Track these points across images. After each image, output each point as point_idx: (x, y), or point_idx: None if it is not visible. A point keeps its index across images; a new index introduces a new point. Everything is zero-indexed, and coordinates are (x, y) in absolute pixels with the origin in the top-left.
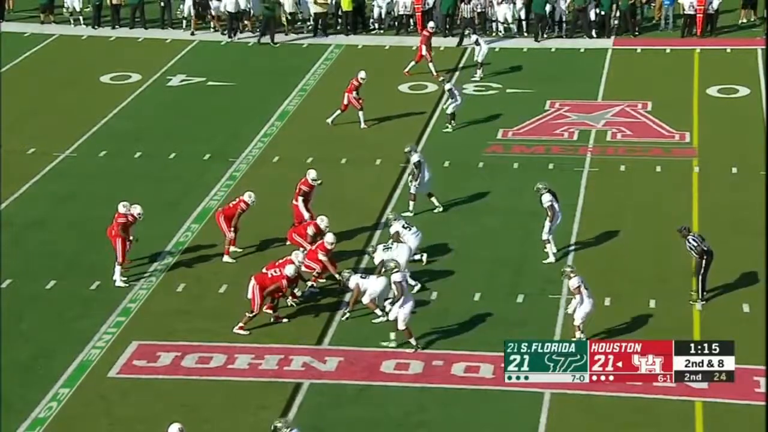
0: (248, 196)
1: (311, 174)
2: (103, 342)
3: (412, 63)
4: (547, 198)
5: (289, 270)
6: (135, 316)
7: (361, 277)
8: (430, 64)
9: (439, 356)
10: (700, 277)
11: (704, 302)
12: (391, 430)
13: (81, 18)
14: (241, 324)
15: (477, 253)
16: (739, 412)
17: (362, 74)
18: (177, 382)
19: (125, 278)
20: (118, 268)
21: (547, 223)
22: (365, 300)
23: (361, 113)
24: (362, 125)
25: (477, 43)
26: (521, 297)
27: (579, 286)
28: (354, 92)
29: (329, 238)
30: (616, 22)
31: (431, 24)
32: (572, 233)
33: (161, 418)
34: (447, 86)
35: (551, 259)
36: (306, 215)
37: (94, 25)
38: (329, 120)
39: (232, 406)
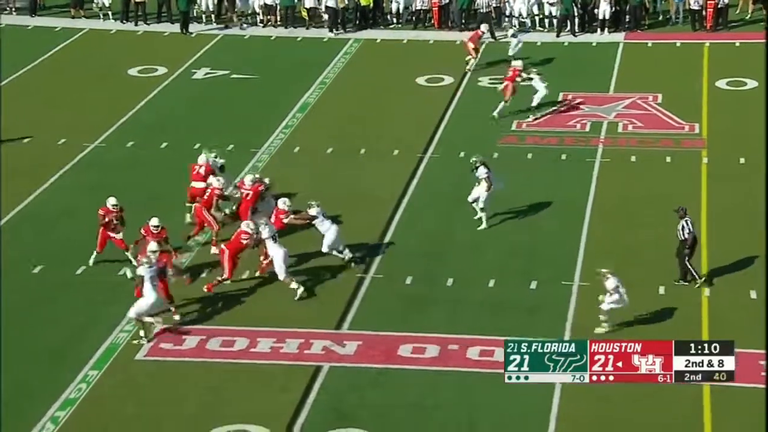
0: (216, 181)
1: (287, 202)
2: (131, 326)
3: (471, 60)
4: (483, 170)
5: (244, 225)
6: None
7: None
8: (473, 60)
9: (455, 341)
10: (687, 261)
11: (703, 280)
12: (408, 412)
13: (110, 13)
14: (210, 284)
15: (491, 240)
16: (748, 395)
17: (519, 63)
18: (201, 364)
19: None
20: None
21: (485, 193)
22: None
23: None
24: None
25: (515, 35)
26: (534, 283)
27: (617, 287)
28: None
29: (285, 201)
30: (627, 17)
31: (484, 26)
32: (584, 222)
33: (186, 400)
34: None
35: (484, 225)
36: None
37: (123, 20)
38: (495, 113)
39: (255, 388)
